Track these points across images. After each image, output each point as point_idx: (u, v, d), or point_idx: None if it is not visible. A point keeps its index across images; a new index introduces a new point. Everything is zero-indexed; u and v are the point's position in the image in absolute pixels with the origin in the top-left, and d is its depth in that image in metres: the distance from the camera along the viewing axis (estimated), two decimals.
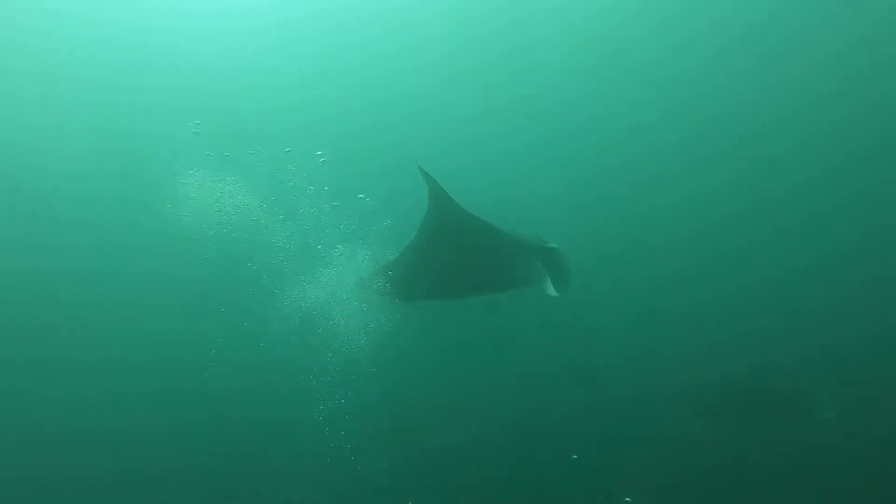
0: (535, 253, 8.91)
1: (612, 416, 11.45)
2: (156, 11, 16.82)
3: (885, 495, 9.84)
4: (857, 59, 15.65)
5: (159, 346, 13.71)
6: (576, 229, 14.10)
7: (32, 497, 11.83)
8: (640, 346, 12.54)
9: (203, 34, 17.38)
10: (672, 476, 10.76)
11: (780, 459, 10.89)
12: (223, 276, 12.65)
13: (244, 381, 12.63)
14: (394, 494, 10.86)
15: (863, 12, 15.24)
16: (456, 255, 8.75)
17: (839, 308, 12.71)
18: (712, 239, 14.59)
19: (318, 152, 13.22)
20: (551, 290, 8.34)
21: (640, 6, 16.64)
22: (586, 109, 17.12)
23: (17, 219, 15.42)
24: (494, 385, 12.16)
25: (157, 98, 16.73)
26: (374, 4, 17.27)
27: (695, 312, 13.22)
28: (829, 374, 11.61)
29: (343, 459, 10.77)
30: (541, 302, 9.53)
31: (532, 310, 11.39)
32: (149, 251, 14.58)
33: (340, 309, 10.20)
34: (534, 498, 10.93)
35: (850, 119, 15.50)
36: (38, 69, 16.53)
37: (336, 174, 12.43)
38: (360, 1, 17.28)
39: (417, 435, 11.61)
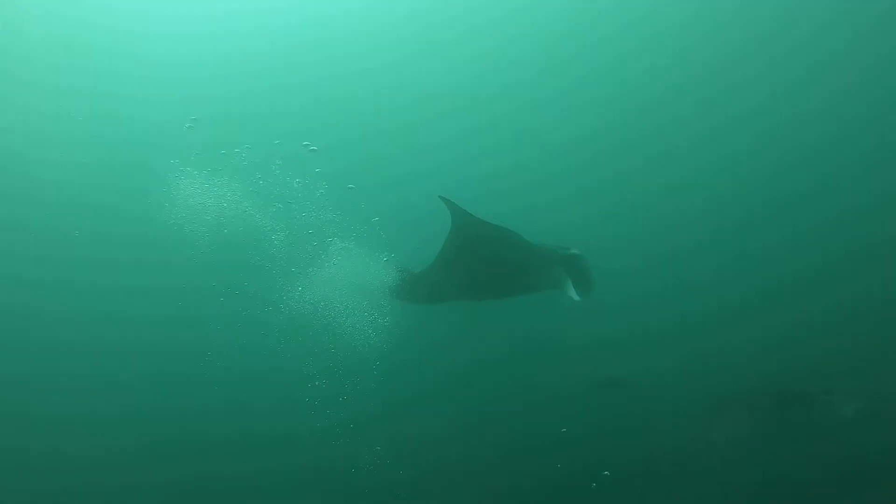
0: (558, 259, 9.15)
1: (631, 418, 11.22)
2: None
3: None
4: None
5: (149, 353, 13.30)
6: (597, 234, 13.73)
7: None
8: (660, 348, 12.31)
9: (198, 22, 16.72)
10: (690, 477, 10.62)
11: (799, 457, 10.71)
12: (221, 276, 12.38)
13: (244, 388, 12.36)
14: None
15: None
16: (480, 265, 9.07)
17: (858, 308, 12.51)
18: (731, 241, 14.29)
19: (306, 142, 13.30)
20: (574, 295, 8.70)
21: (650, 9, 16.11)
22: (601, 112, 16.63)
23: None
24: (511, 389, 11.97)
25: (143, 90, 16.00)
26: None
27: (714, 315, 12.95)
28: (849, 373, 11.40)
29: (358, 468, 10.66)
30: (563, 306, 9.56)
31: (554, 313, 11.12)
32: (139, 253, 14.05)
33: (348, 306, 10.21)
34: None
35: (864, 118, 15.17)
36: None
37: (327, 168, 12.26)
38: None
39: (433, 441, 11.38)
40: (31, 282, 14.11)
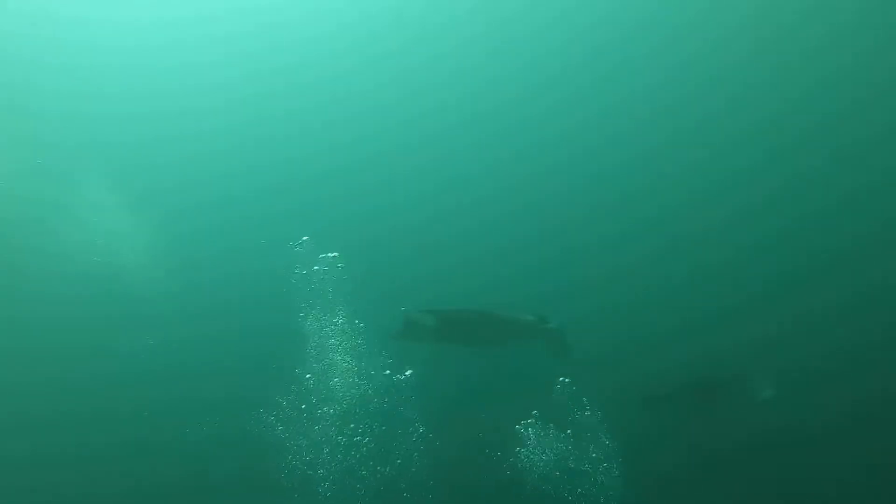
0: (536, 334, 10.23)
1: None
2: None
3: (824, 465, 10.39)
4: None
5: None
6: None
7: None
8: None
9: None
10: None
11: (724, 441, 11.15)
12: None
13: None
14: None
15: None
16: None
17: (775, 296, 13.11)
18: (653, 231, 14.76)
19: None
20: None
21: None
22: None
23: None
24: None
25: None
26: None
27: (637, 306, 13.45)
28: (767, 358, 11.94)
29: None
30: None
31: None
32: None
33: None
34: None
35: None
36: None
37: None
38: None
39: None
40: None
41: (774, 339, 12.16)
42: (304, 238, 10.02)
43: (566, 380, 9.30)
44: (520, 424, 9.13)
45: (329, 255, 9.77)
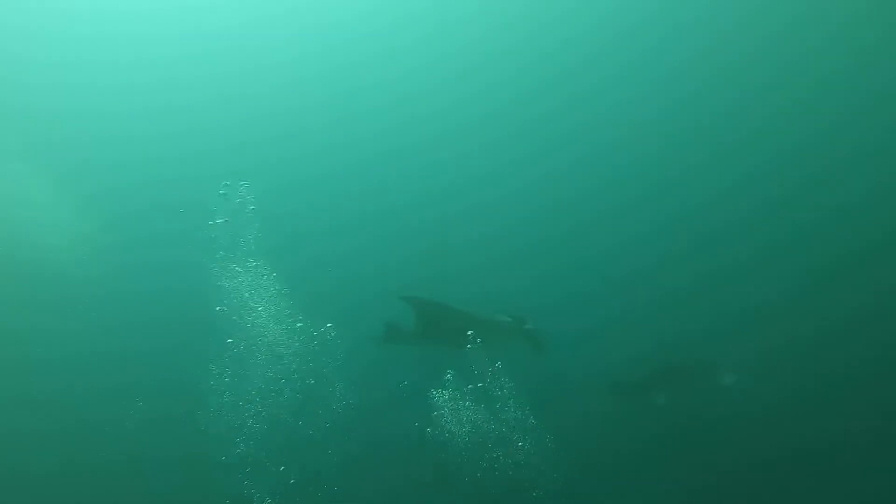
0: (513, 334, 10.06)
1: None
2: None
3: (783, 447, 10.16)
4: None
5: None
6: None
7: None
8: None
9: None
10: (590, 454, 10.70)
11: (685, 428, 11.05)
12: None
13: None
14: None
15: None
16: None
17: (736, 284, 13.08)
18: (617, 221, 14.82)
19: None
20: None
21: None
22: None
23: None
24: None
25: None
26: None
27: (603, 295, 13.49)
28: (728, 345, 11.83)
29: None
30: None
31: None
32: None
33: None
34: None
35: None
36: None
37: None
38: None
39: None
40: None
41: (737, 326, 12.09)
42: (226, 182, 10.12)
43: (479, 339, 9.21)
44: (436, 389, 9.16)
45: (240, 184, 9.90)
